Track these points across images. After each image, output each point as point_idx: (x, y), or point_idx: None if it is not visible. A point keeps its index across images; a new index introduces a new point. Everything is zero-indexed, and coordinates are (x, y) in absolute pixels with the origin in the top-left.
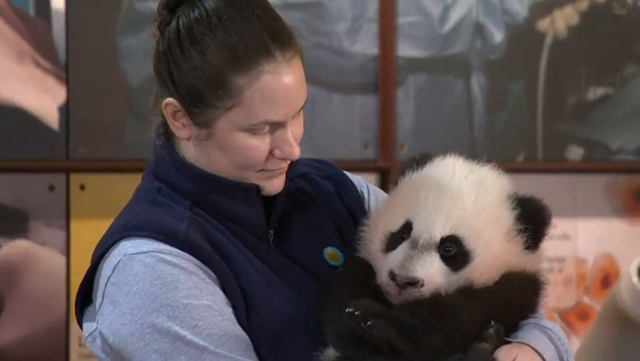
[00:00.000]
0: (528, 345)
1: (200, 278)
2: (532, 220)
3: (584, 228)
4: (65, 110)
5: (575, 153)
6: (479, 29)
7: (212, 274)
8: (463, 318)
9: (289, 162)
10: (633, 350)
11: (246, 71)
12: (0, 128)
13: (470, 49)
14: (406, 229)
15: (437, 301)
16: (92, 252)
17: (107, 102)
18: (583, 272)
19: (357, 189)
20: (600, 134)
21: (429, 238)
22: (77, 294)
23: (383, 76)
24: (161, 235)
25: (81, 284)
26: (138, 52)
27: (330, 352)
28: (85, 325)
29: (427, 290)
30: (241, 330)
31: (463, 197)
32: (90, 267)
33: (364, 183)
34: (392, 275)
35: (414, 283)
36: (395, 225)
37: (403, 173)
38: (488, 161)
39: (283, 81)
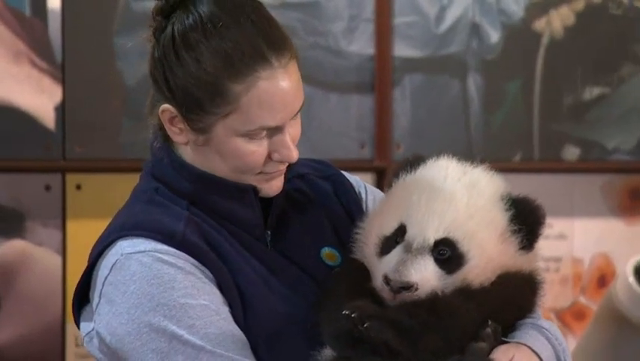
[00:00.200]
0: (525, 345)
1: (197, 278)
2: (526, 220)
3: (581, 228)
4: (61, 110)
5: (572, 152)
6: (475, 29)
7: (209, 273)
8: (461, 318)
9: (287, 164)
10: (630, 350)
11: (242, 78)
12: None
13: (466, 49)
14: (400, 232)
15: (434, 301)
16: (89, 252)
17: (104, 102)
18: (579, 272)
19: (355, 190)
20: (597, 134)
21: (422, 241)
22: (75, 294)
23: (379, 76)
24: (159, 234)
25: (78, 284)
26: (134, 52)
27: (328, 352)
28: (82, 325)
29: (421, 294)
30: (238, 330)
31: (456, 199)
32: (87, 266)
33: (362, 183)
34: (386, 280)
35: (408, 287)
36: (389, 228)
37: (396, 175)
38: (485, 161)
39: (280, 86)
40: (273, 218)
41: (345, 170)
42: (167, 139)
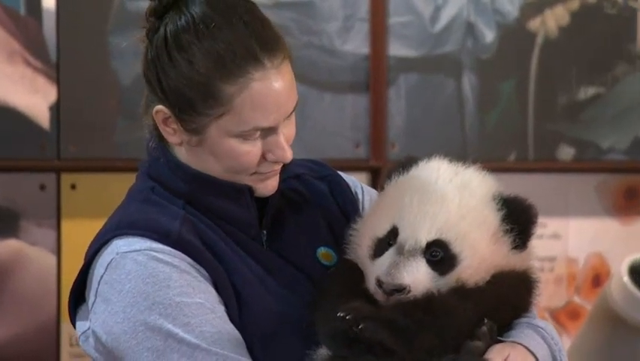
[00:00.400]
0: (521, 344)
1: (193, 276)
2: (518, 220)
3: (575, 227)
4: (56, 110)
5: (566, 152)
6: (470, 29)
7: (205, 272)
8: (456, 317)
9: (282, 164)
10: (624, 349)
11: (235, 79)
12: None
13: (461, 48)
14: (392, 234)
15: (430, 300)
16: (84, 251)
17: (98, 102)
18: (574, 272)
19: (351, 190)
20: (591, 133)
21: (414, 243)
22: (70, 293)
23: (374, 75)
24: (154, 233)
25: (74, 283)
26: (129, 51)
27: (323, 351)
28: (78, 324)
29: (414, 296)
30: (233, 328)
31: (448, 200)
32: (83, 265)
33: (359, 183)
34: (379, 283)
35: (401, 290)
36: (381, 230)
37: (389, 177)
38: (478, 161)
39: (273, 88)
40: (268, 218)
41: (340, 170)
42: (162, 139)
